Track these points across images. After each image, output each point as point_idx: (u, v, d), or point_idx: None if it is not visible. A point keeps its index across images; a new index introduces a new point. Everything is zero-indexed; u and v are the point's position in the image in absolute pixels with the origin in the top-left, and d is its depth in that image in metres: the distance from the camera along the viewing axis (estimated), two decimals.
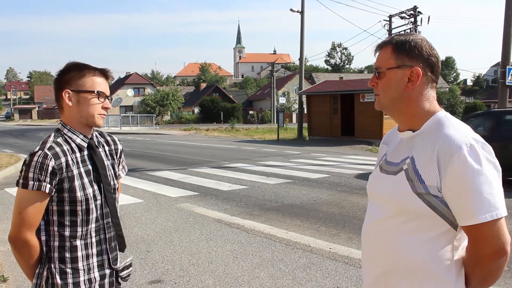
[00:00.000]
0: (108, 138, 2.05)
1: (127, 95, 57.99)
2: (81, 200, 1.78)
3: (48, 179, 1.71)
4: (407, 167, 1.44)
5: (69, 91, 1.82)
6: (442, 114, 1.47)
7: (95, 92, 1.82)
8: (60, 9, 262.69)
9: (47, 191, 1.71)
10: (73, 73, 1.83)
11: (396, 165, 1.50)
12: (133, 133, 34.22)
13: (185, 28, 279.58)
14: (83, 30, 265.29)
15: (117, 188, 2.00)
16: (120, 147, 2.09)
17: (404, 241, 1.44)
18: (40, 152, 1.72)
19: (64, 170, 1.75)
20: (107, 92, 1.89)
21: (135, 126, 41.57)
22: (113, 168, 1.99)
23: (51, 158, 1.72)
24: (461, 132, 1.38)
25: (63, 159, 1.76)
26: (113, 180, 1.96)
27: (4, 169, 11.90)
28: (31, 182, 1.70)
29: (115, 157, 2.03)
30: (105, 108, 1.88)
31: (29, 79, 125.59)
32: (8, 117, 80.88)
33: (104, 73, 1.89)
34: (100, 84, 1.85)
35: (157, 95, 55.79)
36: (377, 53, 1.54)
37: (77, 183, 1.78)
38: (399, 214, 1.45)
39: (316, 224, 6.43)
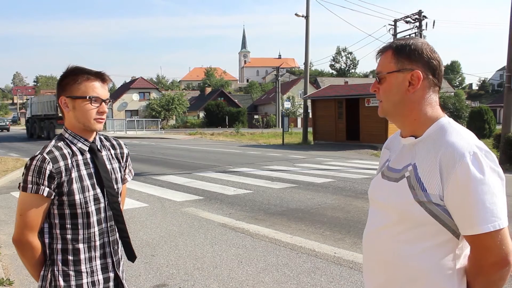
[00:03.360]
0: (114, 142, 2.06)
1: (133, 99, 58.16)
2: (80, 203, 1.80)
3: (46, 183, 1.73)
4: (409, 175, 1.43)
5: (65, 97, 1.84)
6: (445, 120, 1.45)
7: (87, 97, 1.82)
8: (66, 14, 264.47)
9: (45, 194, 1.74)
10: (68, 79, 1.84)
11: (398, 171, 1.49)
12: (138, 138, 34.30)
13: (190, 32, 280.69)
14: (89, 34, 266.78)
15: (120, 192, 2.01)
16: (126, 151, 2.10)
17: (405, 249, 1.42)
18: (39, 156, 1.76)
19: (63, 174, 1.77)
20: (104, 96, 1.87)
21: (140, 130, 41.61)
22: (119, 172, 2.00)
23: (49, 162, 1.74)
24: (464, 139, 1.37)
25: (61, 163, 1.78)
26: (117, 183, 1.97)
27: (10, 173, 11.97)
28: (29, 186, 1.74)
29: (121, 161, 2.05)
30: (101, 113, 1.87)
31: (35, 83, 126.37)
32: (15, 121, 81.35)
33: (99, 76, 1.87)
34: (94, 88, 1.84)
35: (162, 99, 55.95)
36: (379, 59, 1.53)
37: (75, 186, 1.79)
38: (400, 222, 1.43)
39: (321, 229, 6.42)
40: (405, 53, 1.45)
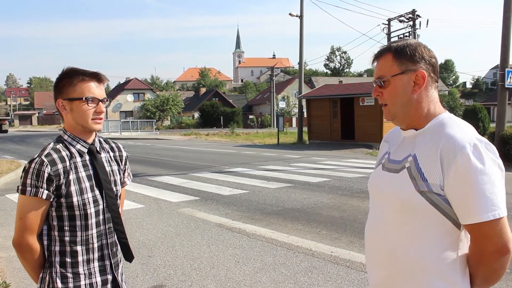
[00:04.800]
0: (113, 145, 2.07)
1: (127, 100, 58.05)
2: (78, 205, 1.80)
3: (45, 185, 1.73)
4: (409, 165, 1.46)
5: (62, 100, 1.84)
6: (446, 115, 1.49)
7: (83, 98, 1.81)
8: (60, 15, 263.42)
9: (44, 197, 1.74)
10: (64, 81, 1.84)
11: (398, 163, 1.52)
12: (133, 138, 34.23)
13: (185, 33, 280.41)
14: (83, 36, 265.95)
15: (119, 195, 2.01)
16: (124, 154, 2.11)
17: (408, 240, 1.45)
18: (37, 159, 1.75)
19: (61, 176, 1.77)
20: (100, 96, 1.86)
21: (135, 131, 41.56)
22: (118, 174, 2.01)
23: (47, 164, 1.74)
24: (464, 132, 1.40)
25: (60, 166, 1.77)
26: (116, 185, 1.97)
27: (5, 175, 11.89)
28: (28, 189, 1.73)
29: (120, 164, 2.05)
30: (99, 113, 1.86)
31: (29, 85, 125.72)
32: (8, 123, 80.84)
33: (95, 76, 1.86)
34: (90, 89, 1.83)
35: (157, 100, 55.87)
36: (375, 63, 1.55)
37: (73, 188, 1.79)
38: (402, 213, 1.46)
39: (317, 228, 6.43)
40: (407, 55, 1.48)
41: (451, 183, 1.36)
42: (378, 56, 1.54)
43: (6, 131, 45.93)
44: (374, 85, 1.55)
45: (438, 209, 1.39)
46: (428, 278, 1.42)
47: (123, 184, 2.07)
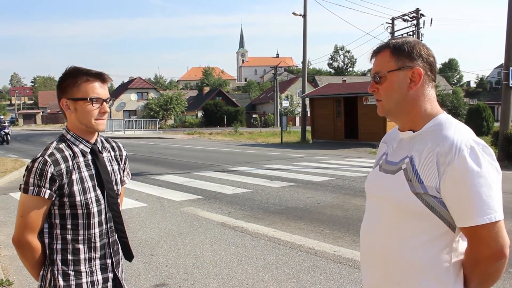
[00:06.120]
0: (114, 144, 2.08)
1: (131, 99, 58.18)
2: (81, 204, 1.81)
3: (47, 185, 1.74)
4: (405, 167, 1.45)
5: (66, 99, 1.84)
6: (444, 116, 1.48)
7: (88, 99, 1.81)
8: (64, 15, 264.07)
9: (46, 196, 1.74)
10: (68, 81, 1.84)
11: (395, 164, 1.51)
12: (137, 138, 34.29)
13: (188, 32, 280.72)
14: (87, 35, 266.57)
15: (120, 194, 2.02)
16: (124, 153, 2.12)
17: (402, 242, 1.44)
18: (40, 158, 1.76)
19: (64, 176, 1.77)
20: (104, 96, 1.86)
21: (139, 130, 41.60)
22: (119, 173, 2.02)
23: (51, 164, 1.75)
24: (462, 134, 1.39)
25: (63, 165, 1.78)
26: (117, 185, 1.98)
27: (9, 174, 11.95)
28: (31, 188, 1.74)
29: (120, 163, 2.06)
30: (103, 113, 1.87)
31: (33, 84, 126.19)
32: (13, 122, 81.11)
33: (99, 77, 1.86)
34: (94, 89, 1.83)
35: (160, 99, 55.97)
36: (374, 59, 1.54)
37: (76, 187, 1.80)
38: (397, 214, 1.45)
39: (320, 227, 6.43)
40: (404, 51, 1.47)
41: (447, 185, 1.35)
42: (376, 52, 1.53)
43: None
44: (371, 81, 1.55)
45: (433, 211, 1.38)
46: (421, 280, 1.41)
47: (122, 183, 2.08)
